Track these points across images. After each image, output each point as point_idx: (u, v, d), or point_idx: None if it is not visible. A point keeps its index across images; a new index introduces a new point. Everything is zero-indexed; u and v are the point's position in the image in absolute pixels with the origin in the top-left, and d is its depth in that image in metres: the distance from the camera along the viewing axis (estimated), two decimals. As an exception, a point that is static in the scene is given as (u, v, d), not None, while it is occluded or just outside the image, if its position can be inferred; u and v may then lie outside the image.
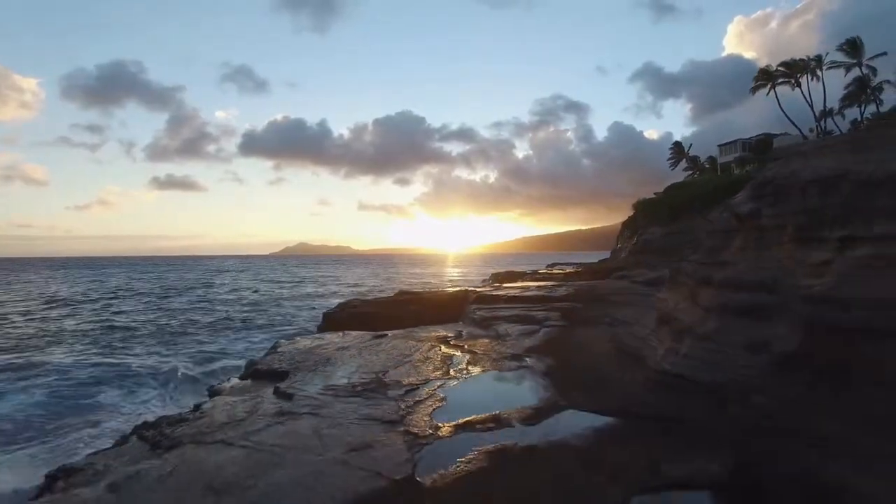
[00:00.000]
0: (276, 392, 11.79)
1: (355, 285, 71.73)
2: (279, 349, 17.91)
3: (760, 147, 51.86)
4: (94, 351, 26.48)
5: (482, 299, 28.05)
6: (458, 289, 37.40)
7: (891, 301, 6.85)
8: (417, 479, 7.09)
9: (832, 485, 6.75)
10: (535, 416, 9.61)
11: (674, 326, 11.88)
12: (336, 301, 36.86)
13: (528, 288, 32.80)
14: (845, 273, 7.73)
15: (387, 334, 19.94)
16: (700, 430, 8.24)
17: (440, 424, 9.26)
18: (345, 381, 12.46)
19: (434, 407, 10.31)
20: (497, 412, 9.77)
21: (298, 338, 21.20)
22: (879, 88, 40.54)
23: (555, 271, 62.02)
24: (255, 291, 63.18)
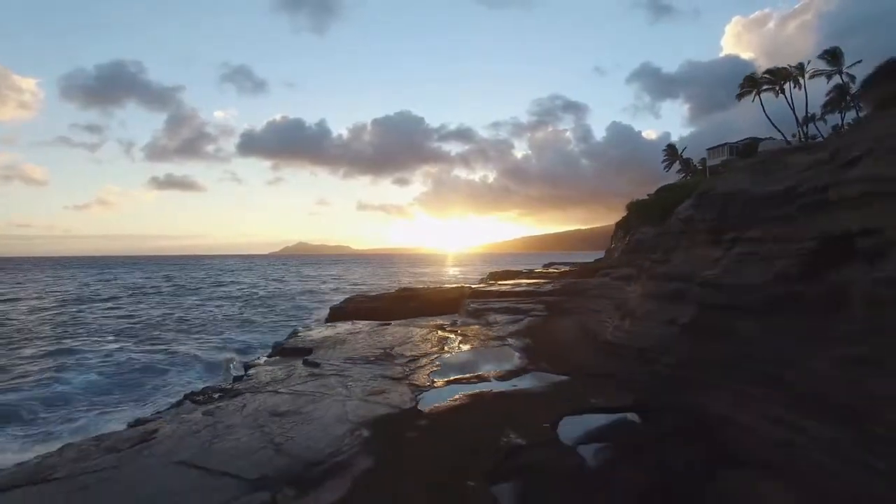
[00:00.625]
0: (305, 362, 14.79)
1: (358, 283, 74.69)
2: (298, 335, 20.91)
3: (746, 151, 54.85)
4: (128, 342, 29.35)
5: (477, 294, 31.02)
6: (455, 285, 40.34)
7: (749, 286, 9.74)
8: (419, 409, 10.07)
9: (717, 416, 9.67)
10: (507, 375, 12.60)
11: (623, 310, 14.89)
12: (341, 297, 39.80)
13: (519, 284, 35.81)
14: (727, 266, 10.64)
15: (390, 323, 22.94)
16: (625, 380, 11.22)
17: (435, 380, 12.25)
18: (359, 354, 15.45)
19: (431, 370, 13.31)
20: (479, 373, 12.77)
21: (313, 325, 24.16)
22: (858, 96, 43.72)
23: (550, 270, 64.95)
24: (264, 288, 66.21)
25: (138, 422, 11.54)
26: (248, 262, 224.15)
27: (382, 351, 15.78)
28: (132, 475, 7.29)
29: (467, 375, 12.53)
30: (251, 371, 14.54)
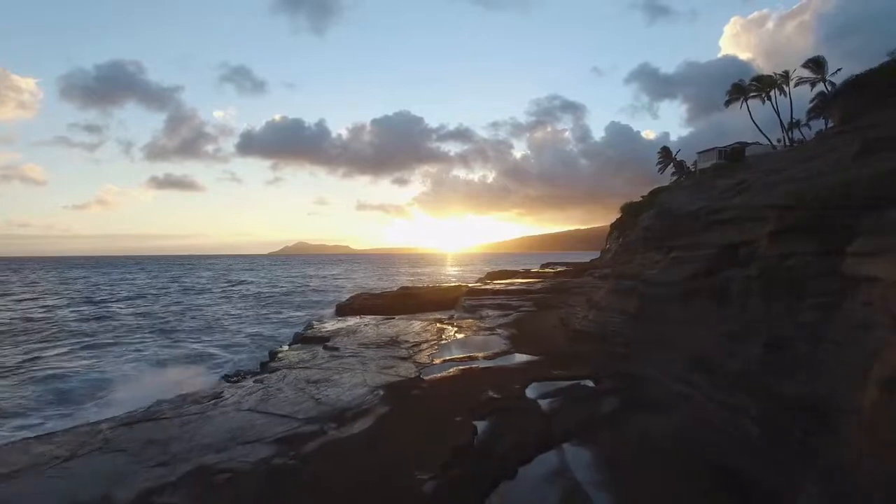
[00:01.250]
0: (325, 347, 17.69)
1: (360, 282, 77.59)
2: (314, 327, 23.82)
3: (734, 155, 57.93)
4: (159, 338, 32.15)
5: (472, 292, 33.96)
6: (452, 284, 43.28)
7: (673, 282, 12.60)
8: (421, 377, 12.98)
9: (644, 379, 12.52)
10: (492, 356, 15.50)
11: (591, 303, 17.80)
12: (346, 295, 42.70)
13: (513, 283, 38.79)
14: (663, 267, 13.52)
15: (394, 317, 25.86)
16: (587, 358, 14.13)
17: (434, 360, 15.15)
18: (370, 341, 18.37)
19: (431, 352, 16.21)
20: (470, 355, 15.66)
21: (325, 319, 27.05)
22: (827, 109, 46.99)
23: (546, 270, 67.93)
24: (272, 288, 69.12)
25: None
26: (250, 261, 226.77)
27: (389, 338, 18.70)
28: (216, 417, 10.18)
29: (460, 356, 15.45)
30: (280, 356, 17.44)
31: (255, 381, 12.85)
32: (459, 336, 19.49)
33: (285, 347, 21.45)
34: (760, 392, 8.02)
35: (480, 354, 15.63)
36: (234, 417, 10.14)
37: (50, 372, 20.43)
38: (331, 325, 23.96)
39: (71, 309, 46.72)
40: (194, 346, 26.87)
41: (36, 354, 24.71)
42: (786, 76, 55.28)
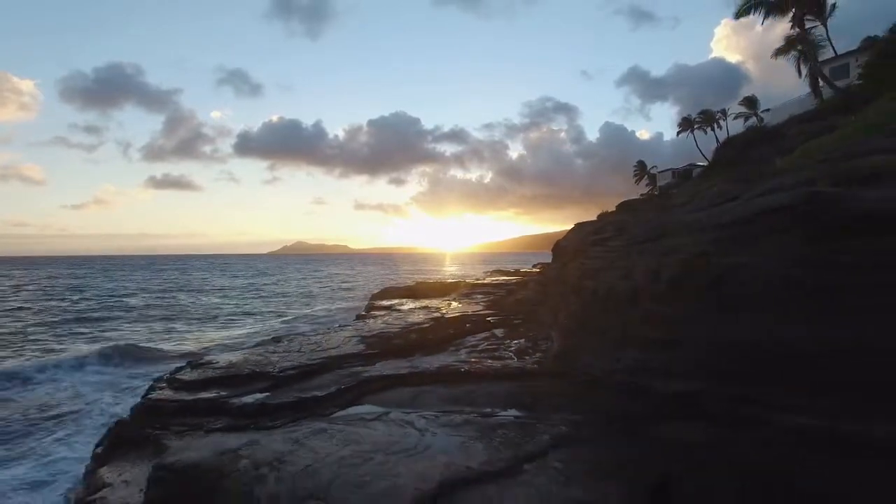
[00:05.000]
0: (392, 308, 30.80)
1: (380, 280, 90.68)
2: (372, 303, 37.13)
3: (685, 175, 71.01)
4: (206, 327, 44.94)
5: (468, 285, 47.11)
6: (454, 280, 56.57)
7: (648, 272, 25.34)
8: (434, 319, 26.04)
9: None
10: (473, 314, 28.49)
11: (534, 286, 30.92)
12: (378, 288, 56.03)
13: (498, 280, 51.91)
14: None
15: (420, 300, 39.13)
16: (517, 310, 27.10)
17: (443, 314, 28.18)
18: (406, 308, 31.47)
19: (441, 312, 29.25)
20: (458, 316, 28.69)
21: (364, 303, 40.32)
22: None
23: (533, 269, 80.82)
24: (301, 285, 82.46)
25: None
26: (252, 261, 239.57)
27: (424, 305, 31.88)
28: (289, 347, 23.22)
29: (456, 316, 28.54)
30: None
31: (284, 342, 25.94)
32: (455, 305, 32.66)
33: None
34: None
35: (468, 311, 28.71)
36: (303, 355, 22.98)
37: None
38: (388, 303, 37.35)
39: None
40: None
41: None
42: (724, 113, 70.36)
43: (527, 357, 15.77)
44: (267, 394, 13.02)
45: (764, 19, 26.15)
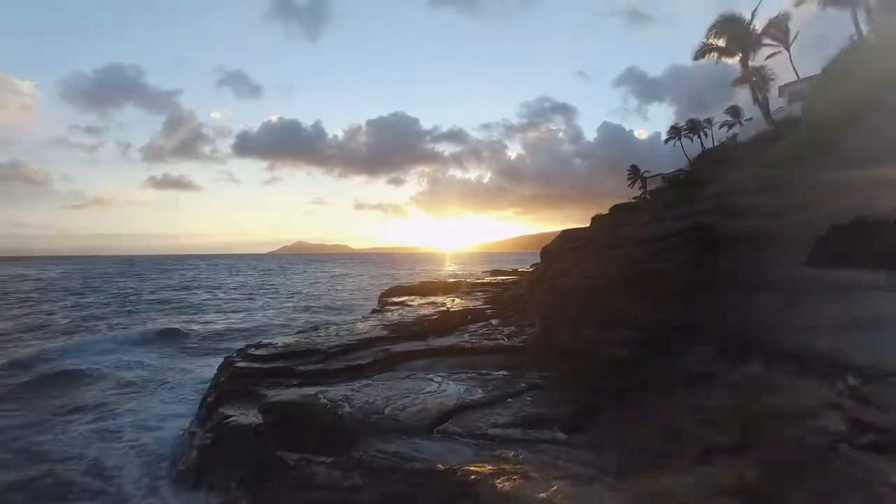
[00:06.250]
0: (404, 304, 35.52)
1: (389, 280, 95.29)
2: (386, 299, 41.88)
3: (674, 180, 75.64)
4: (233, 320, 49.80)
5: (469, 284, 51.87)
6: (456, 280, 61.39)
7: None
8: (441, 311, 30.74)
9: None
10: (473, 308, 33.18)
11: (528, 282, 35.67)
12: (388, 286, 60.69)
13: (497, 278, 56.72)
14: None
15: (427, 296, 43.85)
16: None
17: (448, 308, 32.88)
18: (416, 303, 36.17)
19: (446, 307, 33.95)
20: (461, 309, 33.40)
21: (378, 300, 45.06)
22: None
23: (529, 269, 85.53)
24: (310, 283, 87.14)
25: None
26: (254, 261, 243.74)
27: (431, 301, 36.58)
28: (328, 333, 27.92)
29: (458, 309, 33.23)
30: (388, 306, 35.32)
31: (319, 329, 30.64)
32: (459, 300, 37.39)
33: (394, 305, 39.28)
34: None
35: (469, 305, 33.43)
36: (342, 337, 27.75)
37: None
38: (398, 300, 42.02)
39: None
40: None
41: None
42: (709, 122, 75.43)
43: (515, 338, 20.42)
44: (321, 365, 17.60)
45: (717, 61, 30.72)
